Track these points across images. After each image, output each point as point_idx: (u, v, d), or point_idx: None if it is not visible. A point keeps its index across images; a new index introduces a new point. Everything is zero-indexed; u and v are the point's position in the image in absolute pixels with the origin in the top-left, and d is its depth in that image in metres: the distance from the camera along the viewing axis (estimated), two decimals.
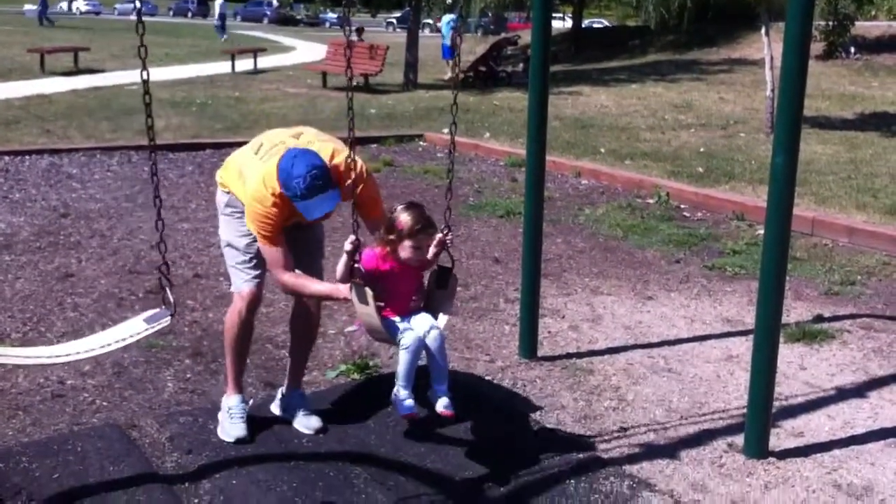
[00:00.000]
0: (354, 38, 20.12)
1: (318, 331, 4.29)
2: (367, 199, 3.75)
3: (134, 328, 3.46)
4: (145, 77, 3.17)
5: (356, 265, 3.56)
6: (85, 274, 6.14)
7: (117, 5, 68.35)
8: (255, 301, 3.85)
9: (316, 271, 3.93)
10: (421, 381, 3.69)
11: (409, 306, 3.75)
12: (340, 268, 3.63)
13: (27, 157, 10.02)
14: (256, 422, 3.95)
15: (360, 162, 3.67)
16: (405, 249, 3.65)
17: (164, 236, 3.40)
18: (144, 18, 3.13)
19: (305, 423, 3.97)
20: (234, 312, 3.87)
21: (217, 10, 40.72)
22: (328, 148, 3.70)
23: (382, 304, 3.59)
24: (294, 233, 3.75)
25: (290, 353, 4.18)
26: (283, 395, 4.12)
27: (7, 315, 5.31)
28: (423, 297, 3.85)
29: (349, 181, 3.61)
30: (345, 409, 4.20)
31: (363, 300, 3.53)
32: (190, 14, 67.22)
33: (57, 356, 3.60)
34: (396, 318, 3.66)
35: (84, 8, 66.64)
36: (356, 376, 4.64)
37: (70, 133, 11.79)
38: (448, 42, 21.91)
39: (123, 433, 3.88)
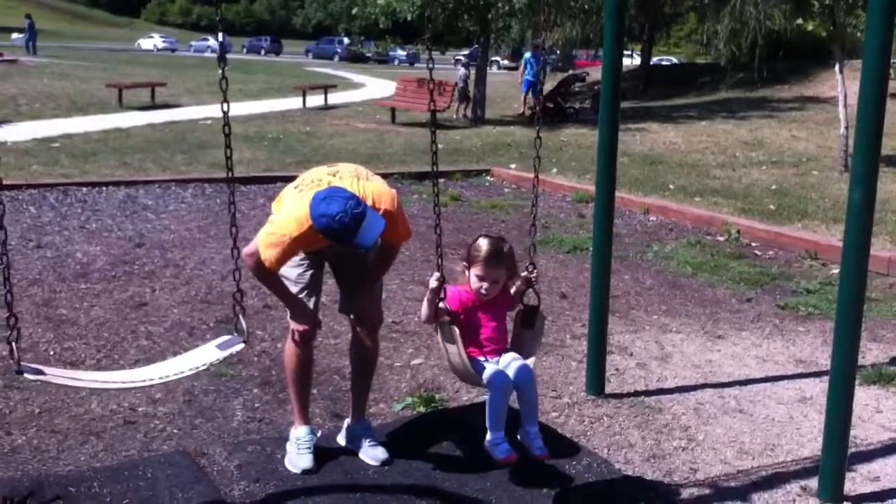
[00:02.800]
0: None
1: (379, 361, 4.29)
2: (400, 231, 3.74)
3: (206, 354, 3.53)
4: (226, 109, 3.31)
5: (442, 303, 3.52)
6: (158, 303, 6.26)
7: (192, 42, 70.30)
8: (310, 332, 3.85)
9: (358, 295, 3.91)
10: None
11: (493, 345, 3.68)
12: (425, 307, 3.59)
13: (104, 188, 10.30)
14: (323, 452, 3.96)
15: (390, 194, 3.64)
16: (470, 279, 3.63)
17: (238, 265, 3.49)
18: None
19: (371, 455, 3.96)
20: (291, 344, 3.89)
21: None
22: (361, 184, 3.58)
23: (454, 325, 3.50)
24: (336, 255, 3.78)
25: (351, 384, 4.19)
26: (348, 426, 4.13)
27: (82, 342, 5.43)
28: (512, 337, 3.81)
29: (381, 211, 3.52)
30: (410, 442, 4.18)
31: (450, 339, 3.49)
32: (263, 52, 68.68)
33: (132, 381, 3.67)
34: (482, 358, 3.62)
35: (161, 45, 68.69)
36: (422, 409, 4.64)
37: (146, 166, 12.08)
38: (529, 77, 22.01)
39: (192, 461, 3.92)
